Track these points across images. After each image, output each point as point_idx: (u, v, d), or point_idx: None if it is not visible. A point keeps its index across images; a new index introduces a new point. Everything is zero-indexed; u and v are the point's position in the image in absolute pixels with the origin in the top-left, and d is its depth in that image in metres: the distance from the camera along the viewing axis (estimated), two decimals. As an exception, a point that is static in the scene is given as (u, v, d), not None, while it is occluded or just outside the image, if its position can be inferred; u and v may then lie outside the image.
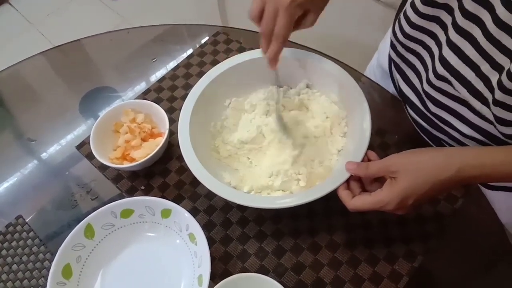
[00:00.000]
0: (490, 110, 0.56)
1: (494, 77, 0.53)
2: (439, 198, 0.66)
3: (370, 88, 0.81)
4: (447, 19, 0.57)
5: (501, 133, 0.58)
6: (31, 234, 0.69)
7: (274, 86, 0.73)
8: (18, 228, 0.70)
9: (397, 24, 0.67)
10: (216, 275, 0.62)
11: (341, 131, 0.69)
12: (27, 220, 0.71)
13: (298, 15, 0.59)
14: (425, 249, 0.63)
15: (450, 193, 0.67)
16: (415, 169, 0.52)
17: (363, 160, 0.59)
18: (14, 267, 0.66)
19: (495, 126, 0.58)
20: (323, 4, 0.62)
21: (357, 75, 0.81)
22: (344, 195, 0.57)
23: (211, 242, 0.65)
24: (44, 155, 0.80)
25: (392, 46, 0.71)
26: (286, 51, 0.71)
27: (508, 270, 0.63)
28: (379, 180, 0.57)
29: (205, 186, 0.61)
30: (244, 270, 0.63)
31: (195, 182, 0.64)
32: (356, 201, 0.56)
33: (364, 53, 1.10)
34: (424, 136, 0.74)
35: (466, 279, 0.62)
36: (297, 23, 0.61)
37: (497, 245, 0.65)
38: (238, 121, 0.73)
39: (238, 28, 0.92)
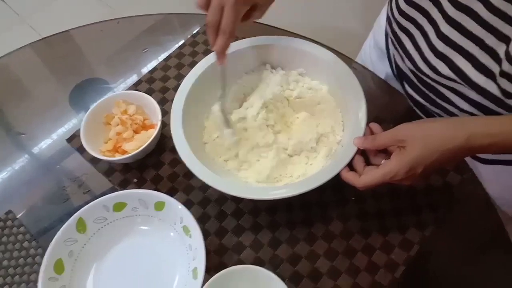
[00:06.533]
0: (496, 83, 0.55)
1: (501, 48, 0.52)
2: (435, 184, 0.66)
3: (362, 75, 0.80)
4: None
5: (506, 106, 0.57)
6: (21, 229, 0.68)
7: (221, 85, 0.68)
8: (8, 223, 0.69)
9: (393, 0, 0.67)
10: (211, 268, 0.62)
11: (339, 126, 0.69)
12: (17, 215, 0.70)
13: (244, 11, 0.58)
14: (421, 238, 0.62)
15: (445, 181, 0.67)
16: (424, 137, 0.51)
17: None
18: (5, 263, 0.65)
19: (494, 103, 0.57)
20: None
21: (348, 61, 0.79)
22: (350, 176, 0.56)
23: (205, 234, 0.64)
24: (34, 149, 0.78)
25: (389, 22, 0.70)
26: (279, 39, 0.70)
27: (502, 256, 0.63)
28: (384, 152, 0.57)
29: (199, 178, 0.60)
30: (240, 262, 0.62)
31: (189, 174, 0.63)
32: (364, 178, 0.55)
33: (354, 40, 1.10)
34: (421, 114, 0.73)
35: (461, 266, 0.62)
36: (245, 16, 0.60)
37: (493, 233, 0.64)
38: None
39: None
